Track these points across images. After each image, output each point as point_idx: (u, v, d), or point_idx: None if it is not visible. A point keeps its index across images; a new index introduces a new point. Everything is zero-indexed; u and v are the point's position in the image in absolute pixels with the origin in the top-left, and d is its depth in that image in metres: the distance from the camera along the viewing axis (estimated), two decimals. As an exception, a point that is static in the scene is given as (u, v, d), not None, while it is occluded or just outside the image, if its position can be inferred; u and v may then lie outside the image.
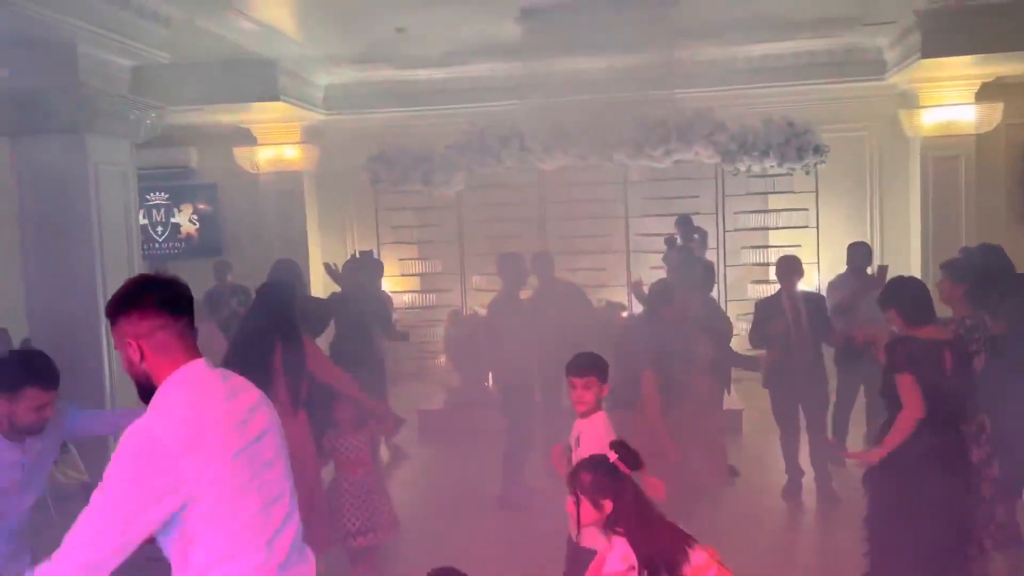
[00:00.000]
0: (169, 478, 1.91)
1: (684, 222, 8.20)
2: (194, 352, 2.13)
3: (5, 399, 2.85)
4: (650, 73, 7.64)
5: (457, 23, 7.53)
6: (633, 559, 2.49)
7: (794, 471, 5.86)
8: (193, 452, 1.94)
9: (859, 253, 6.71)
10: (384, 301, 7.55)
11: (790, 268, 5.82)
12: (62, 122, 5.90)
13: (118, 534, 1.89)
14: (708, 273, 6.41)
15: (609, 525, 2.53)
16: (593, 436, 3.23)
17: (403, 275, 10.10)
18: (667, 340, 4.85)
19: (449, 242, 9.49)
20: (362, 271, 7.10)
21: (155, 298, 2.09)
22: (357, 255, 7.51)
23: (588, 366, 3.43)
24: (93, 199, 6.06)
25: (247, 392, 2.17)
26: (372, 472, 4.70)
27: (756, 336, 5.85)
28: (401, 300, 10.10)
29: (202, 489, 1.94)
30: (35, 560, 2.04)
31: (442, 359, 9.38)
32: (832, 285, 6.87)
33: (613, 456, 2.56)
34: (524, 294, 6.35)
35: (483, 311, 8.83)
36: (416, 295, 10.20)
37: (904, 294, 3.81)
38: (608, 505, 2.53)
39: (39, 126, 5.92)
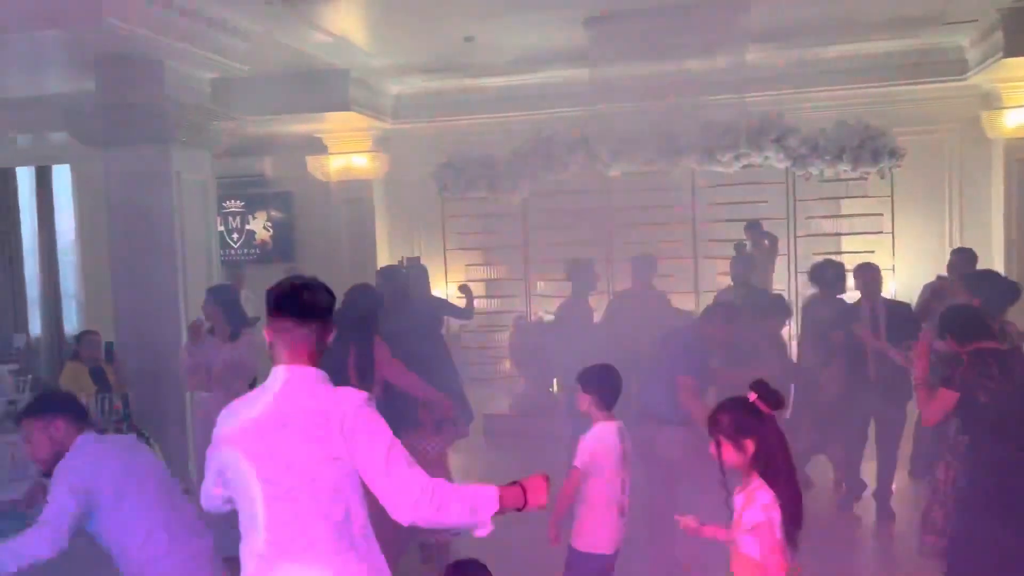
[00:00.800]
0: None
1: (754, 227, 8.07)
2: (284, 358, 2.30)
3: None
4: (719, 77, 7.57)
5: (525, 31, 7.60)
6: (774, 506, 2.47)
7: (856, 484, 5.73)
8: None
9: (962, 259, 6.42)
10: (434, 304, 7.49)
11: (868, 275, 5.63)
12: (148, 134, 6.19)
13: None
14: (777, 307, 6.07)
15: (753, 466, 2.50)
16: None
17: (468, 281, 10.18)
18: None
19: (514, 248, 9.55)
20: (397, 278, 7.12)
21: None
22: (404, 263, 7.53)
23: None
24: (176, 207, 6.33)
25: None
26: (448, 475, 4.79)
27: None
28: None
29: None
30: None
31: (507, 364, 9.43)
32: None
33: (753, 396, 2.52)
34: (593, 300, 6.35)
35: (549, 316, 8.88)
36: (481, 300, 10.28)
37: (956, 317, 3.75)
38: (750, 446, 2.50)
39: (126, 138, 6.22)
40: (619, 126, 7.68)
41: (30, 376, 8.43)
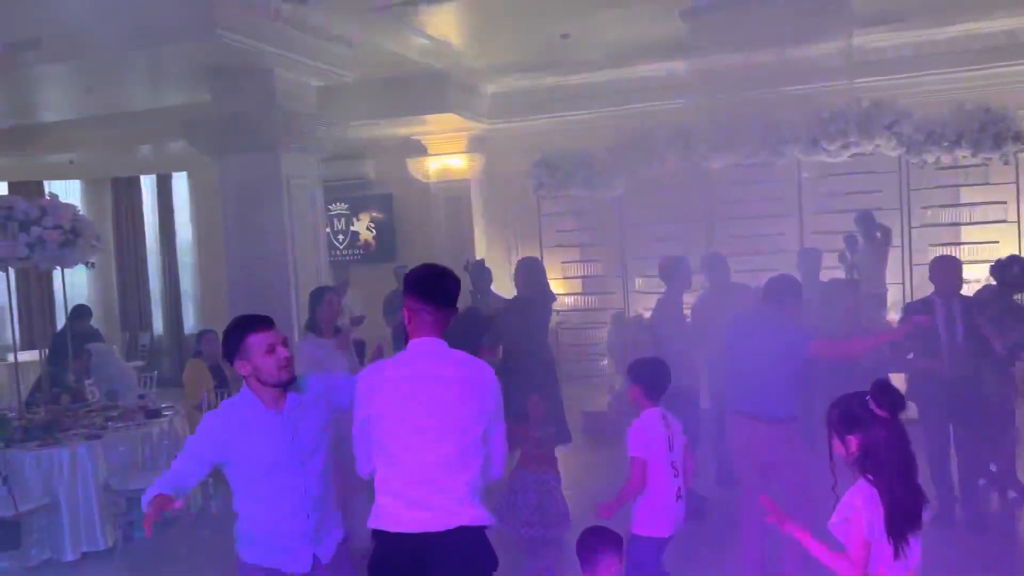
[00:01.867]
0: None
1: (864, 218, 7.73)
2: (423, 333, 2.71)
3: (242, 361, 2.76)
4: (826, 63, 7.28)
5: (620, 25, 7.53)
6: (862, 508, 2.49)
7: (947, 494, 5.16)
8: None
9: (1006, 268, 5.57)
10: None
11: (946, 270, 5.15)
12: (259, 141, 6.48)
13: None
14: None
15: (857, 463, 2.53)
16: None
17: (565, 277, 10.20)
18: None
19: (611, 244, 9.48)
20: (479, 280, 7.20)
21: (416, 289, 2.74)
22: (469, 265, 7.56)
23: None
24: (286, 210, 6.61)
25: None
26: (553, 469, 4.83)
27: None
28: (564, 302, 10.20)
29: None
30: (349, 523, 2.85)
31: (605, 361, 9.38)
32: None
33: (868, 396, 2.54)
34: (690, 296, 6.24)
35: (646, 313, 8.77)
36: (578, 297, 10.27)
37: None
38: (853, 442, 2.52)
39: (239, 146, 6.53)
40: (719, 118, 7.50)
41: (156, 372, 9.01)
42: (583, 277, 10.21)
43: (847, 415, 2.53)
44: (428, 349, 2.66)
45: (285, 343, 2.80)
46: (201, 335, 6.76)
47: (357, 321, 9.05)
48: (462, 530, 2.56)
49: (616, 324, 8.77)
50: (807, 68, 7.54)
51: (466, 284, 6.99)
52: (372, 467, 2.67)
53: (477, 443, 2.61)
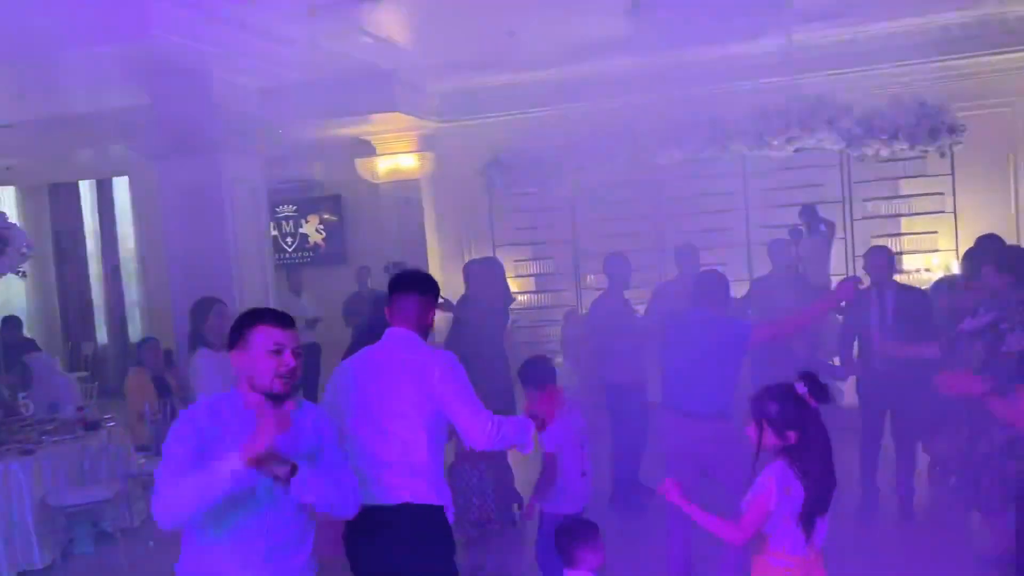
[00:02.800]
0: None
1: (808, 211, 7.87)
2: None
3: (239, 353, 2.41)
4: (768, 60, 7.40)
5: (566, 22, 7.53)
6: (783, 486, 2.55)
7: (872, 484, 5.23)
8: None
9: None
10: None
11: (879, 260, 5.16)
12: (200, 143, 6.32)
13: None
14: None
15: (791, 456, 2.56)
16: None
17: (518, 276, 10.19)
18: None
19: (564, 242, 9.51)
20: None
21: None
22: (389, 267, 7.49)
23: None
24: (229, 213, 6.46)
25: None
26: (497, 465, 4.79)
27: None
28: (517, 300, 10.19)
29: None
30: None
31: (559, 359, 9.40)
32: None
33: (802, 388, 2.57)
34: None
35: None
36: (531, 295, 10.27)
37: None
38: (793, 436, 2.57)
39: (179, 148, 6.37)
40: (666, 114, 7.57)
41: (97, 383, 8.76)
42: (536, 275, 10.21)
43: (786, 409, 2.56)
44: (395, 337, 2.91)
45: (297, 353, 2.42)
46: (143, 343, 6.59)
47: (312, 323, 8.92)
48: (410, 507, 2.75)
49: (569, 321, 8.78)
50: (750, 64, 7.67)
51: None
52: None
53: (428, 424, 2.78)
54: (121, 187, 11.94)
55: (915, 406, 4.99)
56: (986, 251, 4.98)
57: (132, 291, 12.12)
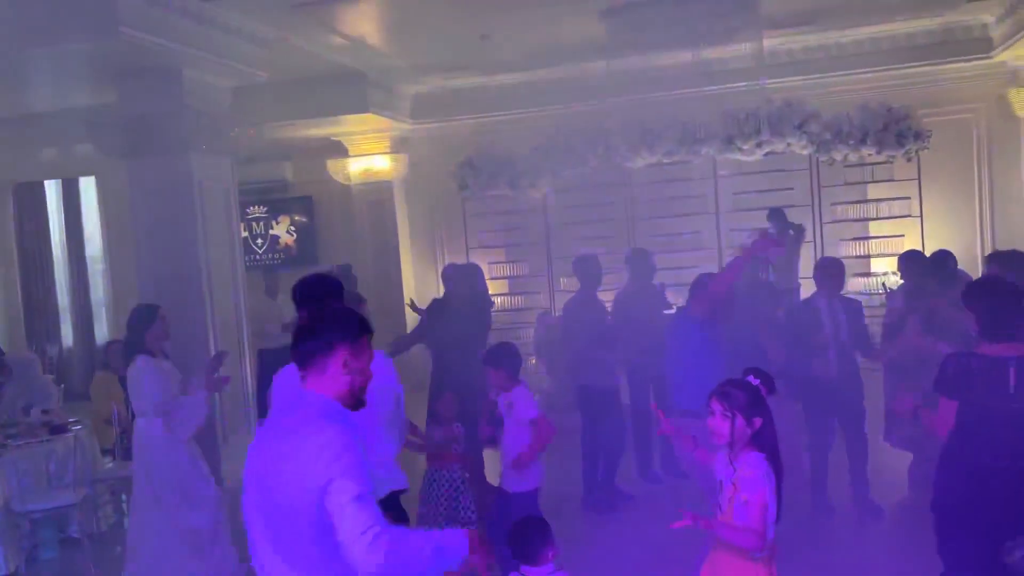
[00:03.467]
0: None
1: (777, 215, 7.96)
2: None
3: (346, 355, 2.22)
4: (738, 64, 7.48)
5: (539, 26, 7.56)
6: (769, 474, 2.74)
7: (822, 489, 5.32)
8: None
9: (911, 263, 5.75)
10: None
11: (828, 271, 5.33)
12: (169, 143, 6.25)
13: None
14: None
15: (759, 443, 2.76)
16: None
17: (491, 278, 10.19)
18: None
19: (537, 245, 9.53)
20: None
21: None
22: (335, 270, 7.44)
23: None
24: (199, 214, 6.39)
25: None
26: (463, 468, 4.78)
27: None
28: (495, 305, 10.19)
29: None
30: None
31: (532, 361, 9.41)
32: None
33: (755, 380, 2.80)
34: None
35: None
36: (504, 298, 10.29)
37: (984, 299, 3.37)
38: (758, 422, 2.77)
39: (148, 148, 6.29)
40: (638, 118, 7.62)
41: (63, 386, 8.60)
42: (509, 278, 10.23)
43: (753, 398, 2.78)
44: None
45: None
46: (109, 346, 6.49)
47: (288, 327, 8.84)
48: None
49: (541, 324, 8.81)
50: (721, 69, 7.75)
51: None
52: None
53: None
54: (88, 187, 11.74)
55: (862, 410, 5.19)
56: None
57: (99, 292, 11.92)
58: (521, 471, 4.10)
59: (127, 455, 5.59)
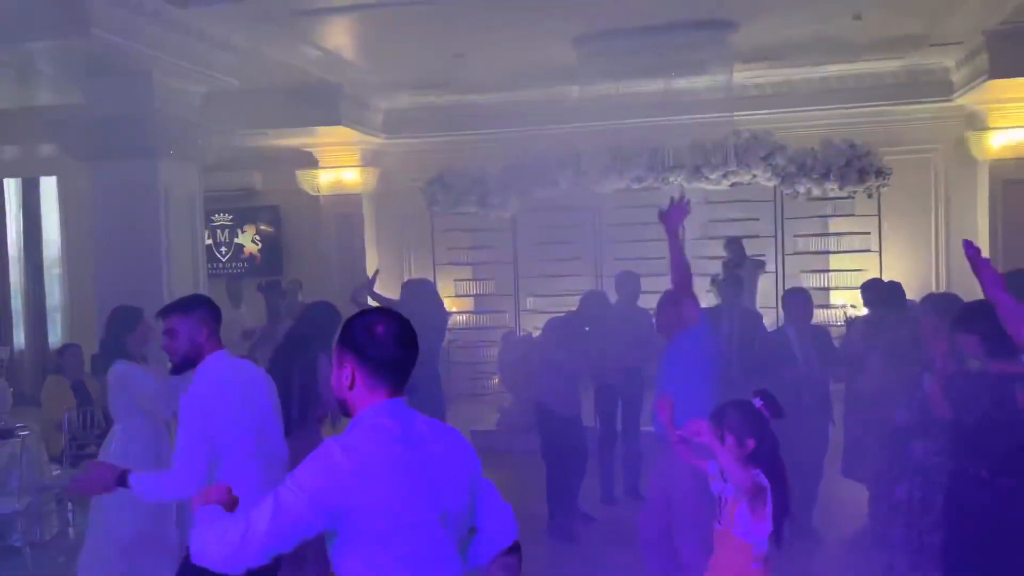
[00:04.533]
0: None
1: (733, 245, 8.01)
2: None
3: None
4: (708, 96, 7.61)
5: (514, 48, 7.62)
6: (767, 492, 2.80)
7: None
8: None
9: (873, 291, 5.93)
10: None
11: (796, 301, 5.50)
12: (135, 147, 6.17)
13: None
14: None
15: (750, 461, 2.83)
16: None
17: (458, 295, 10.19)
18: None
19: (504, 264, 9.55)
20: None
21: None
22: (263, 284, 7.46)
23: None
24: (162, 220, 6.30)
25: None
26: None
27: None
28: (456, 320, 10.17)
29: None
30: None
31: (495, 380, 9.40)
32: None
33: (759, 403, 2.86)
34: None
35: (536, 332, 8.85)
36: (470, 315, 10.27)
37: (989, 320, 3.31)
38: (752, 444, 2.83)
39: (114, 151, 6.20)
40: (608, 143, 7.71)
41: (11, 390, 8.37)
42: (475, 295, 10.22)
43: (746, 418, 2.86)
44: None
45: None
46: (63, 350, 6.35)
47: (249, 335, 8.72)
48: None
49: (506, 343, 8.81)
50: (691, 99, 7.89)
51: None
52: None
53: None
54: (49, 187, 11.51)
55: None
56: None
57: (55, 296, 11.65)
58: None
59: (75, 463, 5.45)
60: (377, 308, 2.13)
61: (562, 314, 6.26)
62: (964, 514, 3.36)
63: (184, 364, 3.14)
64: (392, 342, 2.00)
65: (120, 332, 4.49)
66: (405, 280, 7.48)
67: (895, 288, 5.65)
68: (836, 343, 5.98)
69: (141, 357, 4.53)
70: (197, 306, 3.21)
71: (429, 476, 1.96)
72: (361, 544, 1.91)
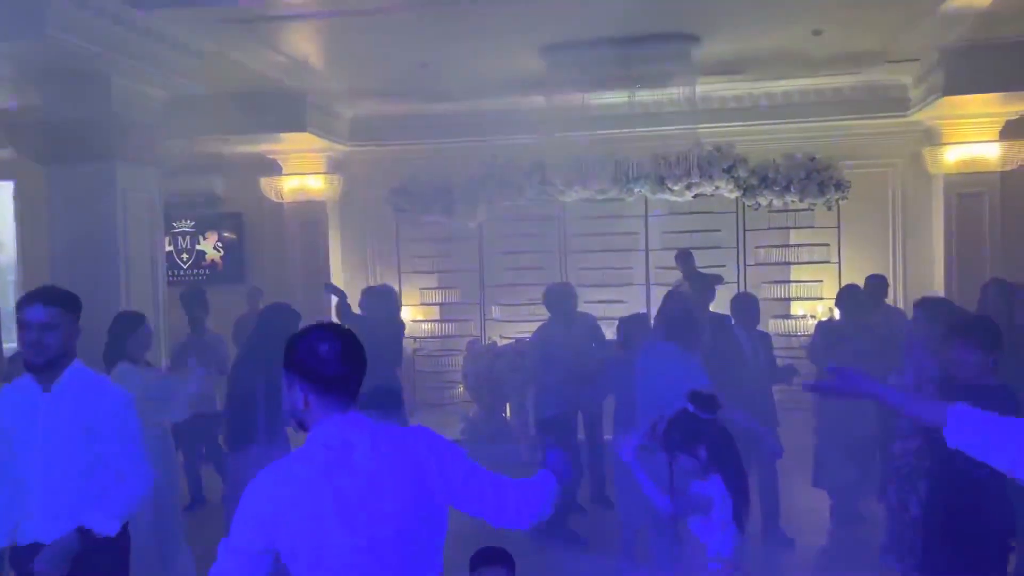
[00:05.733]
0: None
1: (684, 257, 8.04)
2: None
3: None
4: (672, 108, 7.69)
5: (480, 57, 7.65)
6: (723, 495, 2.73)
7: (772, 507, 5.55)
8: None
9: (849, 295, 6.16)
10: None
11: (744, 306, 5.67)
12: (94, 151, 6.05)
13: None
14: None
15: (708, 468, 2.74)
16: None
17: (423, 304, 10.15)
18: None
19: (469, 272, 9.54)
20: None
21: None
22: (253, 292, 7.45)
23: None
24: (120, 226, 6.19)
25: None
26: None
27: None
28: (420, 328, 10.14)
29: None
30: None
31: (460, 389, 9.38)
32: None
33: (691, 407, 2.78)
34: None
35: (501, 341, 8.86)
36: (435, 324, 10.24)
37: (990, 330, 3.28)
38: (703, 453, 2.75)
39: (71, 155, 6.07)
40: (573, 153, 7.75)
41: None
42: (440, 304, 10.19)
43: (689, 429, 2.76)
44: None
45: None
46: (15, 358, 6.17)
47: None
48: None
49: (471, 351, 8.79)
50: (655, 111, 7.97)
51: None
52: None
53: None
54: (4, 192, 11.25)
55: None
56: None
57: (9, 303, 11.37)
58: None
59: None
60: (318, 325, 2.11)
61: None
62: (943, 511, 3.34)
63: (48, 365, 2.95)
64: (337, 360, 2.02)
65: (121, 335, 4.62)
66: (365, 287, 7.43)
67: (873, 283, 5.79)
68: (805, 352, 6.08)
69: (143, 362, 4.69)
70: (78, 307, 3.07)
71: (359, 503, 1.95)
72: (296, 571, 1.96)
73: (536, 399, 6.09)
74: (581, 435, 6.40)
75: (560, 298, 6.25)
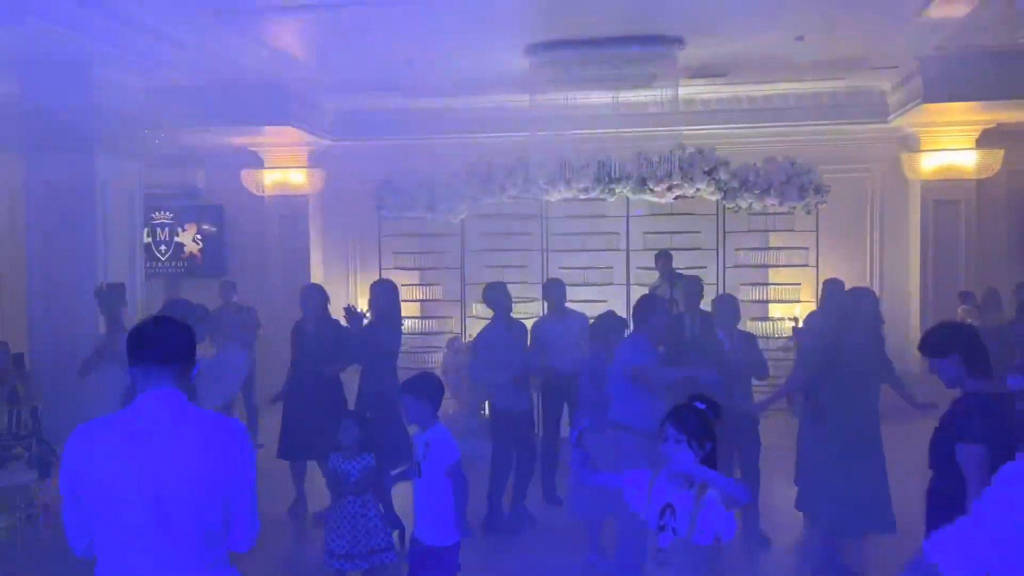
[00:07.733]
0: None
1: (663, 258, 8.05)
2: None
3: None
4: (655, 110, 7.73)
5: (465, 55, 7.65)
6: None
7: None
8: None
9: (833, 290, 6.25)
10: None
11: (726, 306, 5.74)
12: (73, 141, 6.00)
13: None
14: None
15: (706, 462, 2.85)
16: None
17: (404, 300, 10.10)
18: None
19: (451, 269, 9.53)
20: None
21: None
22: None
23: None
24: (99, 216, 6.14)
25: None
26: (371, 498, 4.70)
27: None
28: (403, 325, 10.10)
29: None
30: None
31: (440, 386, 9.36)
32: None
33: (702, 405, 2.90)
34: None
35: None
36: (416, 321, 10.22)
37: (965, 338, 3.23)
38: (708, 446, 2.87)
39: (50, 144, 6.02)
40: (556, 152, 7.77)
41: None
42: (422, 301, 10.17)
43: (702, 423, 2.88)
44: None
45: None
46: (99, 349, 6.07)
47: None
48: None
49: (451, 349, 8.79)
50: (638, 113, 8.01)
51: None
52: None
53: None
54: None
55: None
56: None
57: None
58: (439, 525, 3.77)
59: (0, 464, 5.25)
60: (154, 315, 2.48)
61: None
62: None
63: None
64: (149, 343, 2.30)
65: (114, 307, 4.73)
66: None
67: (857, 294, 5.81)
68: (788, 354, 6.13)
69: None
70: None
71: (149, 471, 2.17)
72: (91, 520, 2.20)
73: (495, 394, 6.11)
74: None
75: (558, 291, 6.41)
